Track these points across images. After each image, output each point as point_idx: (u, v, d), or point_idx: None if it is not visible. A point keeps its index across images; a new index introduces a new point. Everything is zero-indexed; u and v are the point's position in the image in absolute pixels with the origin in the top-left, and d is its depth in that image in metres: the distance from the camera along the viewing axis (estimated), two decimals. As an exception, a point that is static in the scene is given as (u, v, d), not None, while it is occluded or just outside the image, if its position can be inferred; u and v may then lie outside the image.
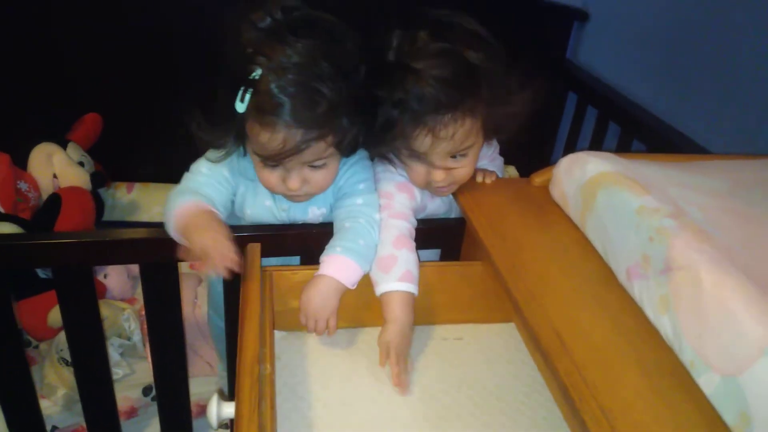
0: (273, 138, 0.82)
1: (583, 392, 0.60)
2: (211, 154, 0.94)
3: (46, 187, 1.57)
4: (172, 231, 0.88)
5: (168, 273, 0.96)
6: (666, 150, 1.40)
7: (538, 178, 0.99)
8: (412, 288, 0.86)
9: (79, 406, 1.25)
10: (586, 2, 1.96)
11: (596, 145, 1.76)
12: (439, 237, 1.04)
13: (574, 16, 1.98)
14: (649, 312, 0.69)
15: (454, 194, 0.99)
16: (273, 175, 0.90)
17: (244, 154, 0.93)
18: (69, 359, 1.30)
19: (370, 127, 0.88)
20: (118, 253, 0.91)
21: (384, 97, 0.85)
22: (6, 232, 1.27)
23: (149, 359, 1.37)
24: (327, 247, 0.89)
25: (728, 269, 0.61)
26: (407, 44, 0.86)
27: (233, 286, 0.96)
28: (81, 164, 1.65)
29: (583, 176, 0.84)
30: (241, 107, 0.82)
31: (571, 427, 0.70)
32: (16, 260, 0.94)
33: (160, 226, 0.91)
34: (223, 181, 0.96)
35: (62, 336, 1.36)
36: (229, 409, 0.69)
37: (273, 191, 0.94)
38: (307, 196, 0.95)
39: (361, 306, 0.90)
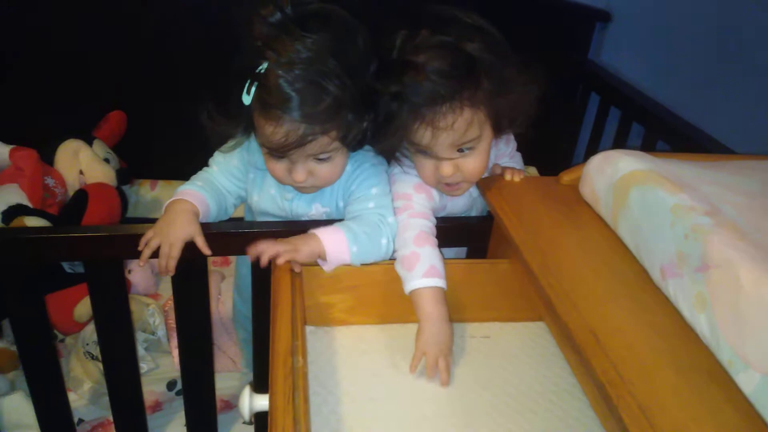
0: (276, 131, 0.84)
1: (621, 390, 0.60)
2: (225, 146, 0.99)
3: (73, 183, 1.59)
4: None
5: (197, 268, 0.97)
6: (692, 151, 1.39)
7: (566, 176, 0.99)
8: (438, 282, 0.86)
9: (104, 400, 1.27)
10: (609, 3, 1.95)
11: (619, 145, 1.75)
12: (466, 235, 1.04)
13: (596, 17, 1.97)
14: (685, 310, 0.68)
15: (483, 192, 0.99)
16: (279, 167, 0.92)
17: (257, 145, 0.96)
18: (95, 353, 1.32)
19: (376, 123, 0.90)
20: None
21: (384, 91, 0.86)
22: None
23: (173, 354, 1.38)
24: None
25: (767, 267, 0.61)
26: (409, 41, 0.87)
27: (261, 275, 0.97)
28: (106, 161, 1.67)
29: (615, 174, 0.84)
30: (247, 99, 0.85)
31: (606, 426, 0.70)
32: (48, 253, 0.95)
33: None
34: (234, 171, 1.02)
35: (88, 330, 1.38)
36: (262, 402, 0.69)
37: (281, 182, 0.96)
38: (314, 188, 0.97)
39: (387, 302, 0.91)
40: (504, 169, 1.02)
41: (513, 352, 0.89)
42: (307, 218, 1.02)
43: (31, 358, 1.01)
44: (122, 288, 0.97)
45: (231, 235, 0.96)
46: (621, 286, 0.76)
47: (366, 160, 0.99)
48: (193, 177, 1.02)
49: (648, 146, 1.60)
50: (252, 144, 0.98)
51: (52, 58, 1.74)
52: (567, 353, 0.83)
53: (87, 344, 1.34)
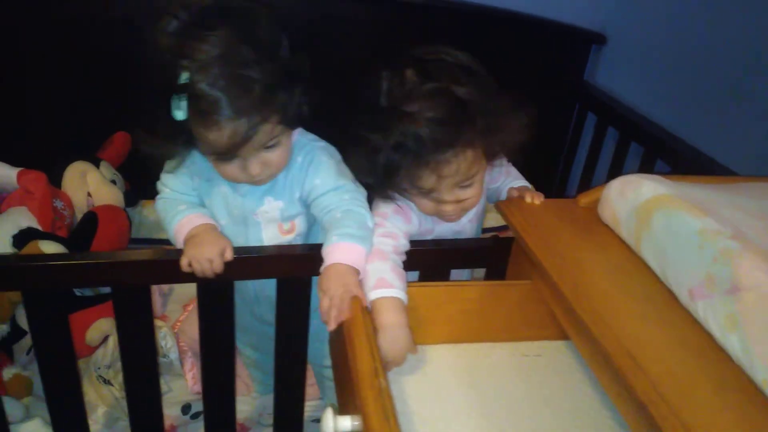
0: (220, 135, 0.84)
1: (663, 410, 0.62)
2: (168, 165, 0.99)
3: (81, 206, 1.58)
4: (180, 245, 0.95)
5: (223, 291, 0.98)
6: (691, 171, 1.43)
7: (584, 199, 1.01)
8: (386, 293, 0.87)
9: (119, 425, 1.26)
10: (604, 26, 2.01)
11: (616, 165, 1.79)
12: (484, 256, 1.06)
13: (592, 39, 2.02)
14: (715, 331, 0.71)
15: (504, 214, 1.01)
16: (232, 168, 0.92)
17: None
18: (107, 378, 1.31)
19: (374, 174, 0.92)
20: (179, 272, 0.92)
21: (381, 142, 0.87)
22: (50, 251, 1.27)
23: (187, 377, 1.38)
24: (326, 239, 0.92)
25: (798, 290, 0.63)
26: (396, 86, 0.89)
27: (287, 294, 0.99)
28: (113, 182, 1.66)
29: (637, 198, 0.87)
30: (180, 115, 0.83)
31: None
32: (75, 279, 0.96)
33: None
34: (189, 182, 1.02)
35: (99, 353, 1.37)
36: (345, 422, 0.70)
37: (236, 182, 0.96)
38: (270, 177, 0.97)
39: (451, 322, 0.94)
40: (521, 191, 1.05)
41: (560, 371, 0.92)
42: (258, 215, 1.02)
43: (55, 383, 1.00)
44: (149, 313, 0.97)
45: (248, 259, 0.97)
46: (649, 306, 0.78)
47: (313, 150, 1.00)
48: (164, 207, 1.02)
49: (646, 166, 1.64)
50: (194, 155, 0.97)
51: (56, 80, 1.74)
52: (599, 373, 0.85)
53: (99, 368, 1.33)
